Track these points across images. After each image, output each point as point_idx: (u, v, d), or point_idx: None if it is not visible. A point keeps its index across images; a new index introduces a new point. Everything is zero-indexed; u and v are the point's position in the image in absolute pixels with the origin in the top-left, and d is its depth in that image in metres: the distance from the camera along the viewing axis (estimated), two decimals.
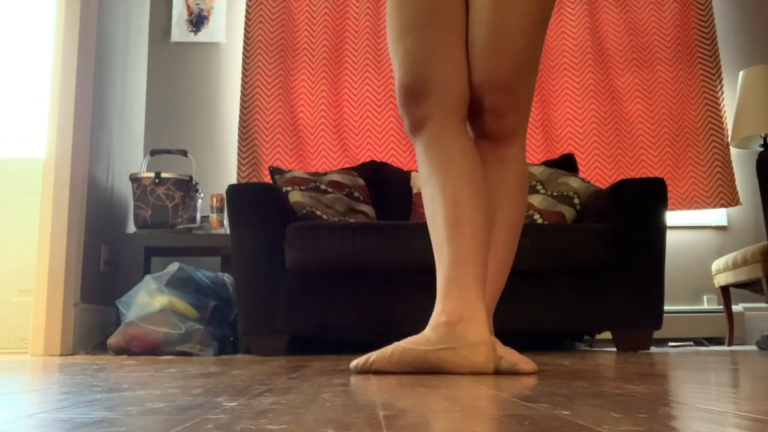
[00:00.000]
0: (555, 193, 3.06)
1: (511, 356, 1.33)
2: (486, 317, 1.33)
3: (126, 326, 2.66)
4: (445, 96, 1.40)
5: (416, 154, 1.45)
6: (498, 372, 1.32)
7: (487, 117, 1.48)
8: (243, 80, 3.85)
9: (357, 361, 1.39)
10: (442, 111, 1.40)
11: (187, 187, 3.34)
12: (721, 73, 3.88)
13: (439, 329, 1.31)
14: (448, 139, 1.39)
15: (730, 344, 3.37)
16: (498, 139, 1.50)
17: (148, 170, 3.56)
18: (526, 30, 1.45)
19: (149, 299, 2.71)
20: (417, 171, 3.44)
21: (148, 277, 2.81)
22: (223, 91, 3.95)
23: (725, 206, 3.74)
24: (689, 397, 0.83)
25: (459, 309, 1.31)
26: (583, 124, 3.85)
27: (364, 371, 1.38)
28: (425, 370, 1.32)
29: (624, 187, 2.74)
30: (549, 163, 3.41)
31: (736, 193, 3.75)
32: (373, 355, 1.37)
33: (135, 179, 3.31)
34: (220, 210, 3.37)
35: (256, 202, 2.66)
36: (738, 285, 3.26)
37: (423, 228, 2.69)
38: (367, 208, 3.16)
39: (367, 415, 0.68)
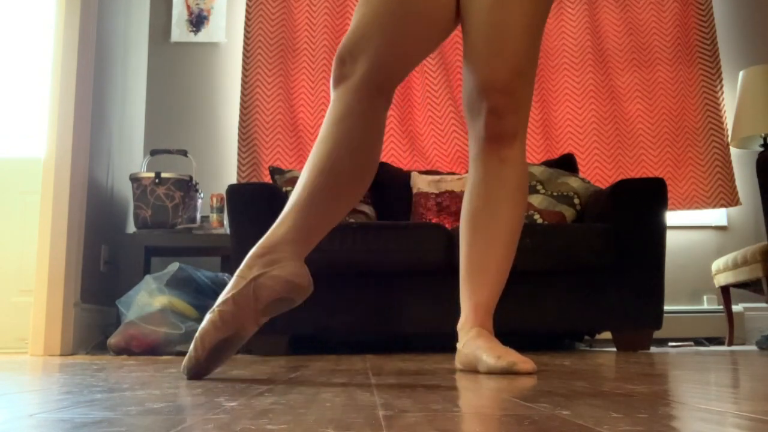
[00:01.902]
0: (555, 193, 3.06)
1: (510, 356, 1.33)
2: (299, 255, 1.29)
3: (126, 326, 2.66)
4: (371, 66, 1.40)
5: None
6: (497, 372, 1.32)
7: (488, 118, 1.48)
8: (243, 80, 3.85)
9: (184, 364, 1.27)
10: (361, 77, 1.40)
11: (187, 187, 3.34)
12: (721, 73, 3.88)
13: (250, 261, 1.28)
14: (355, 102, 1.39)
15: (730, 344, 3.37)
16: (498, 140, 1.51)
17: (148, 170, 3.56)
18: (524, 31, 1.45)
19: (149, 299, 2.71)
20: (417, 171, 3.45)
21: (148, 277, 2.81)
22: (223, 91, 3.95)
23: (725, 206, 3.74)
24: (689, 397, 0.83)
25: (274, 243, 1.28)
26: (583, 124, 3.85)
27: (198, 366, 1.25)
28: (249, 309, 1.24)
29: (624, 187, 2.74)
30: (549, 163, 3.41)
31: (736, 193, 3.75)
32: (191, 351, 1.26)
33: (135, 179, 3.31)
34: (220, 210, 3.37)
35: (256, 202, 2.66)
36: (738, 285, 3.26)
37: (423, 228, 2.69)
38: (367, 208, 3.16)
39: (367, 415, 0.68)
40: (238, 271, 1.29)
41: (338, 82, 1.43)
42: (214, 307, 1.27)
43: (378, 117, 1.41)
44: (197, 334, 1.27)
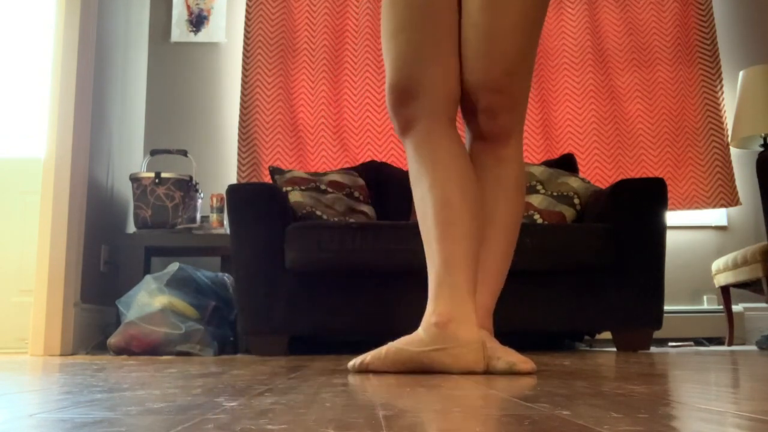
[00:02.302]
0: (555, 193, 3.06)
1: (510, 356, 1.33)
2: (476, 317, 1.35)
3: (126, 326, 2.66)
4: (434, 97, 1.41)
5: (406, 155, 1.46)
6: (497, 372, 1.32)
7: (482, 117, 1.48)
8: (243, 80, 3.85)
9: (354, 362, 1.43)
10: (431, 112, 1.40)
11: (187, 187, 3.34)
12: (721, 73, 3.88)
13: (431, 330, 1.33)
14: (437, 140, 1.40)
15: (730, 344, 3.37)
16: (494, 140, 1.50)
17: (148, 170, 3.56)
18: (519, 31, 1.45)
19: (149, 299, 2.71)
20: None
21: (148, 277, 2.81)
22: (223, 91, 3.95)
23: (725, 206, 3.74)
24: (689, 397, 0.83)
25: (449, 310, 1.33)
26: (583, 124, 3.85)
27: (361, 371, 1.41)
28: (418, 370, 1.35)
29: (624, 187, 2.74)
30: (549, 163, 3.40)
31: (736, 193, 3.75)
32: (368, 356, 1.40)
33: (135, 179, 3.31)
34: (220, 210, 3.37)
35: (256, 202, 2.66)
36: (738, 285, 3.26)
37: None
38: (367, 208, 3.16)
39: (367, 415, 0.68)
40: (421, 330, 1.35)
41: (408, 125, 1.43)
42: (394, 345, 1.37)
43: (461, 144, 1.44)
44: (375, 355, 1.38)
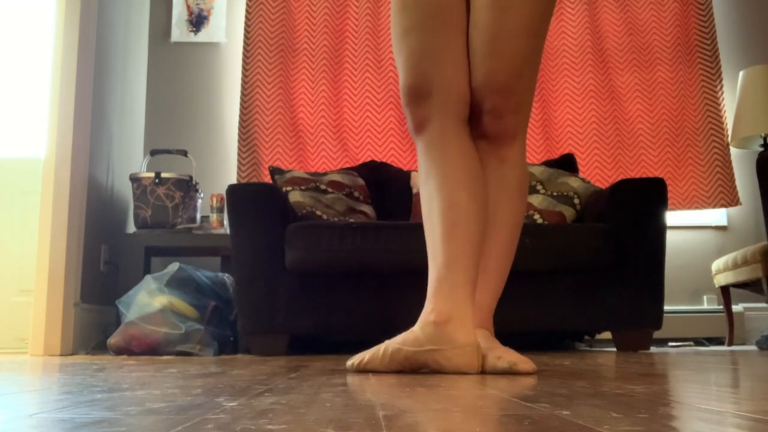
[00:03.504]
0: (555, 193, 3.06)
1: (510, 356, 1.33)
2: (473, 319, 1.36)
3: (126, 326, 2.66)
4: (447, 97, 1.42)
5: (417, 154, 1.47)
6: (497, 372, 1.32)
7: (487, 118, 1.48)
8: (243, 80, 3.85)
9: (353, 360, 1.44)
10: (443, 112, 1.41)
11: (187, 187, 3.34)
12: (721, 73, 3.88)
13: (428, 329, 1.33)
14: (448, 141, 1.41)
15: (730, 344, 3.37)
16: (498, 140, 1.51)
17: (148, 170, 3.56)
18: (525, 33, 1.45)
19: (149, 299, 2.71)
20: (417, 171, 3.44)
21: (148, 277, 2.81)
22: (223, 91, 3.95)
23: (725, 206, 3.74)
24: (689, 397, 0.83)
25: (448, 309, 1.33)
26: (583, 124, 3.85)
27: (360, 370, 1.42)
28: (415, 369, 1.37)
29: (624, 187, 2.74)
30: (549, 163, 3.40)
31: (736, 193, 3.75)
32: (366, 355, 1.41)
33: (135, 179, 3.31)
34: (220, 210, 3.37)
35: (256, 202, 2.66)
36: (738, 285, 3.26)
37: (422, 228, 2.69)
38: (367, 208, 3.16)
39: (367, 415, 0.68)
40: (418, 327, 1.35)
41: (421, 126, 1.44)
42: (392, 344, 1.37)
43: (471, 145, 1.45)
44: (373, 354, 1.39)
